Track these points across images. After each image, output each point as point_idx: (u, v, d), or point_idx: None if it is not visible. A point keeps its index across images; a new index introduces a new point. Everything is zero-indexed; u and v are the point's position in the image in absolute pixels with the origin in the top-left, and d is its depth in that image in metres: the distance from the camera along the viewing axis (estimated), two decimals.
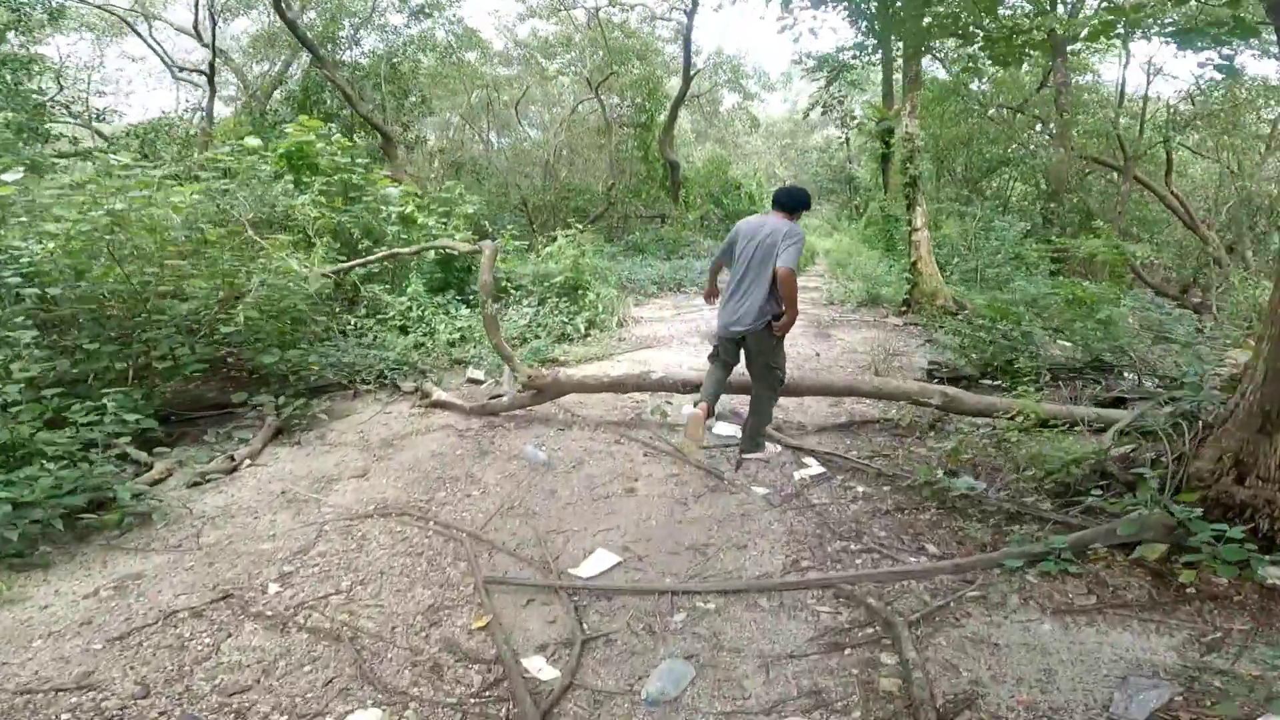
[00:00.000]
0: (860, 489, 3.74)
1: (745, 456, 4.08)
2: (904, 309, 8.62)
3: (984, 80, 16.84)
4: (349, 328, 6.27)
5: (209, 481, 4.02)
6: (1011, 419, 3.96)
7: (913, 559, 3.13)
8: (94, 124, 16.29)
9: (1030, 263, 9.33)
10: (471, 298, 7.93)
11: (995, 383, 5.36)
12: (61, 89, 15.89)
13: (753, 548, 3.23)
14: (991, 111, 15.73)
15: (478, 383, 5.93)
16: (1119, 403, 5.06)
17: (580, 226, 9.19)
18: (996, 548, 3.18)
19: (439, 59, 17.47)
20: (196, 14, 16.74)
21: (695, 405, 3.92)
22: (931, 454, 3.97)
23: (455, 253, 6.44)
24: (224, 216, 6.27)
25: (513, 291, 8.14)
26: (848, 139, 31.58)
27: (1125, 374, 5.75)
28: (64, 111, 15.11)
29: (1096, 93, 16.71)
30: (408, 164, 15.99)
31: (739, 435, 4.41)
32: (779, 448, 4.18)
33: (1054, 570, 2.96)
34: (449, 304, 7.23)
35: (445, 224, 7.96)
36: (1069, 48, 12.94)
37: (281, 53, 16.13)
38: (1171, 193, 14.12)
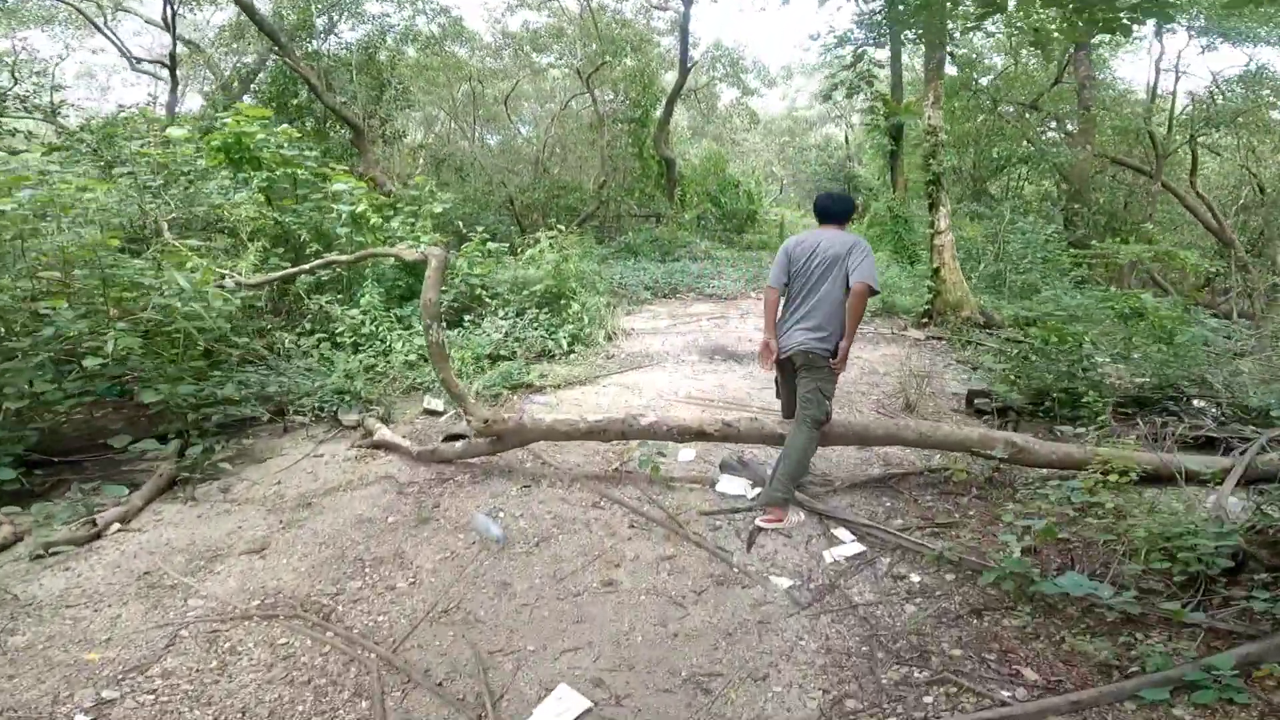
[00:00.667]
0: (915, 578, 2.81)
1: (762, 524, 3.16)
2: (924, 320, 7.71)
3: (994, 75, 16.01)
4: (288, 346, 5.32)
5: (56, 554, 3.08)
6: (1104, 476, 3.04)
7: (1006, 693, 2.21)
8: (57, 119, 15.31)
9: (1061, 269, 8.43)
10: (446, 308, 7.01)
11: (1055, 419, 4.46)
12: (16, 82, 14.91)
13: (775, 678, 2.30)
14: (1007, 108, 14.84)
15: (436, 414, 4.99)
16: (1209, 444, 4.17)
17: (563, 227, 8.25)
18: (1122, 669, 2.27)
19: (422, 50, 16.54)
20: (165, 4, 15.77)
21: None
22: (1001, 521, 3.04)
23: (402, 261, 5.50)
24: (141, 217, 5.34)
25: (488, 301, 7.20)
26: (847, 138, 30.78)
27: (1193, 402, 4.86)
28: (19, 106, 14.15)
29: (1112, 89, 15.86)
30: (387, 159, 15.03)
31: (748, 494, 3.49)
32: (801, 515, 3.26)
33: (1213, 700, 2.08)
34: (413, 316, 6.29)
35: (412, 225, 7.02)
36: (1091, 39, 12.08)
37: (252, 43, 15.14)
38: (1197, 194, 13.26)
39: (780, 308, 3.43)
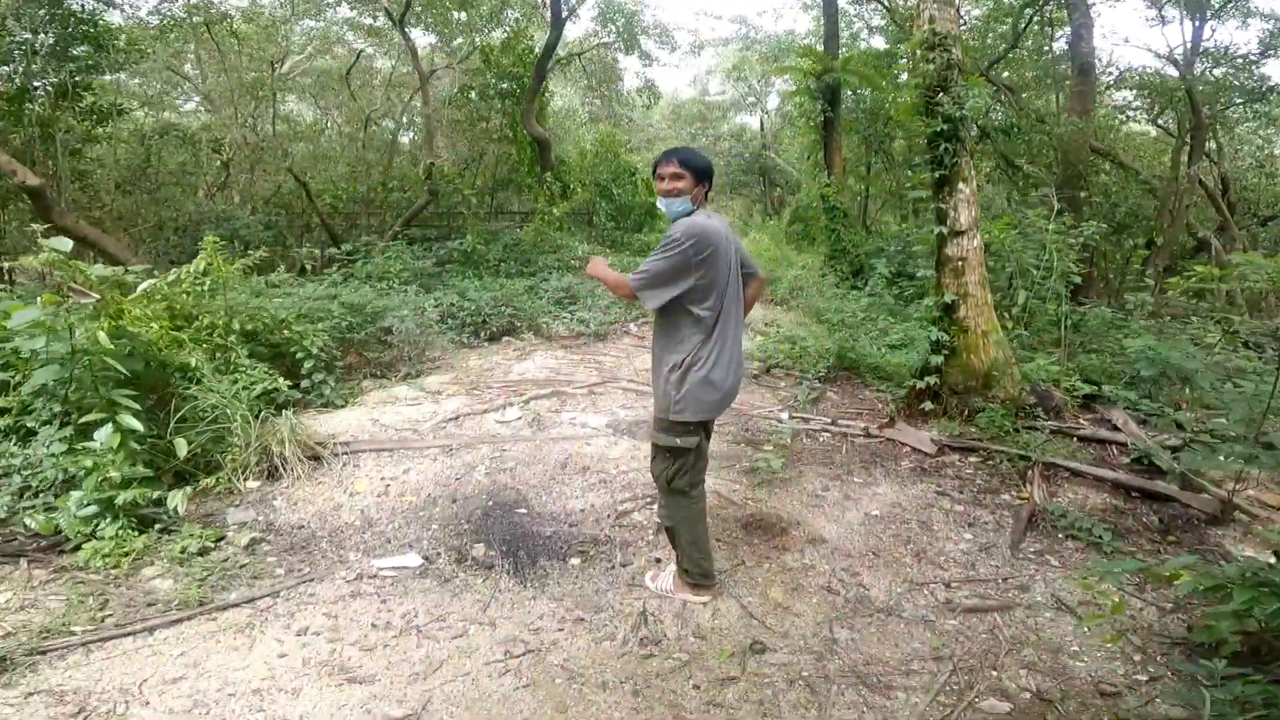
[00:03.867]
0: None
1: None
2: (923, 403, 3.97)
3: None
4: None
5: None
6: None
7: None
8: None
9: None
10: None
11: None
12: None
13: None
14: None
15: None
16: None
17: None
18: None
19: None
20: None
21: (707, 588, 2.46)
22: None
23: None
24: None
25: None
26: (763, 124, 27.59)
27: None
28: None
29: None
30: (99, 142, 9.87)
31: None
32: None
33: None
34: None
35: None
36: None
37: None
38: (1201, 184, 10.31)
39: (698, 331, 2.20)
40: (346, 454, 3.69)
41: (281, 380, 3.72)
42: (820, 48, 12.76)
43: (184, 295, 4.00)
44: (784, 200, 27.21)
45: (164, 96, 13.85)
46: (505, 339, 6.70)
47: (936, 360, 3.79)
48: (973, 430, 3.80)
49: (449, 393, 4.95)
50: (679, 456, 2.26)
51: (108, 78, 9.56)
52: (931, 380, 3.82)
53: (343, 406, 4.55)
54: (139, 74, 11.05)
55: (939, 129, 3.66)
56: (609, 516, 3.09)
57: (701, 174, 2.21)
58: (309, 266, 8.95)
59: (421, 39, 17.02)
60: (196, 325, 3.95)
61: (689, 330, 2.18)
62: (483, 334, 6.75)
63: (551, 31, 13.76)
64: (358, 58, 17.13)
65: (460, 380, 5.30)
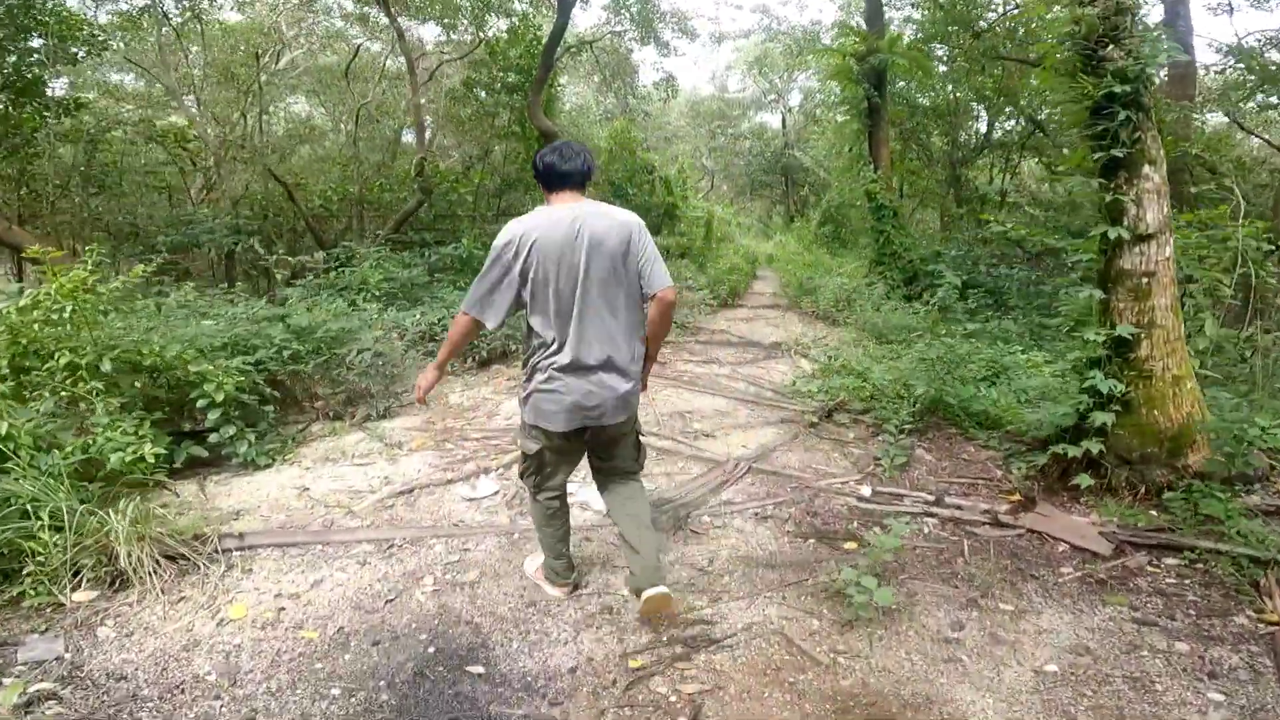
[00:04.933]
0: None
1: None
2: (1079, 469, 2.75)
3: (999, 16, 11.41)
4: None
5: None
6: None
7: None
8: None
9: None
10: None
11: None
12: None
13: None
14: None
15: None
16: None
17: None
18: None
19: None
20: None
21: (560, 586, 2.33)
22: None
23: None
24: None
25: None
26: (784, 120, 26.24)
27: None
28: None
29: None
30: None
31: None
32: None
33: None
34: None
35: None
36: None
37: None
38: None
39: (537, 339, 2.06)
40: (239, 550, 2.55)
41: (149, 447, 2.59)
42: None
43: (36, 325, 2.90)
44: (807, 201, 25.86)
45: (152, 93, 12.92)
46: (496, 367, 5.55)
47: (1102, 418, 2.57)
48: (1156, 516, 2.57)
49: (412, 445, 3.80)
50: (526, 458, 2.22)
51: (88, 73, 8.59)
52: (1095, 445, 2.59)
53: (268, 466, 3.43)
54: (98, 66, 10.04)
55: (1113, 90, 2.43)
56: (614, 681, 1.90)
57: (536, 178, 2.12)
58: (280, 276, 7.89)
59: (427, 34, 16.10)
60: (49, 366, 2.85)
61: (533, 337, 2.06)
62: (470, 359, 5.60)
63: (559, 16, 12.60)
64: (356, 52, 16.19)
65: (430, 426, 4.15)
